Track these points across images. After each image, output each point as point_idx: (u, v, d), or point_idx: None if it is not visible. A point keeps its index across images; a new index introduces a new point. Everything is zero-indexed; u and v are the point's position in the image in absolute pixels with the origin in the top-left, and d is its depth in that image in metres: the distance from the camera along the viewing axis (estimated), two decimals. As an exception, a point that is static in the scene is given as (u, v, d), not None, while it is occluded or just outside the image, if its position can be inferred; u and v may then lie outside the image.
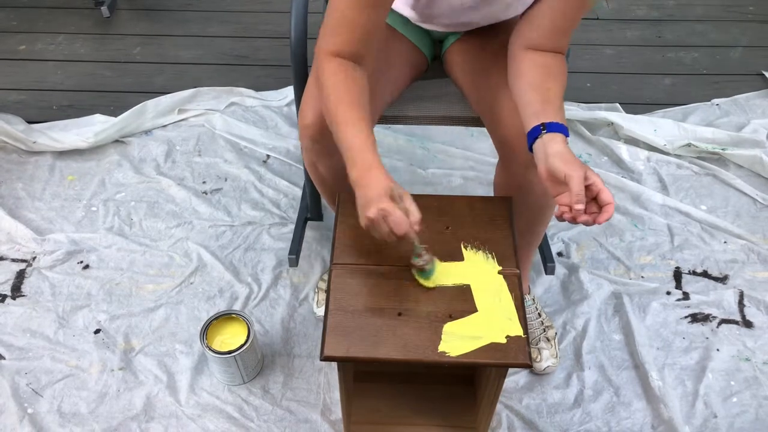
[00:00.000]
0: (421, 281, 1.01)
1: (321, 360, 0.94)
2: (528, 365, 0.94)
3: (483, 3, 1.11)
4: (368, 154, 0.96)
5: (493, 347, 0.94)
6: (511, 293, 1.00)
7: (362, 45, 1.02)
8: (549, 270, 1.54)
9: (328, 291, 1.01)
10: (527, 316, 1.41)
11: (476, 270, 1.03)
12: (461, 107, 1.34)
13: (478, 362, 0.94)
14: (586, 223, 0.94)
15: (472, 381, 1.31)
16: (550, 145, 0.96)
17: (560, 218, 0.96)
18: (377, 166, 0.95)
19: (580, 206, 0.92)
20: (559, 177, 0.94)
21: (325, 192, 1.32)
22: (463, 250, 1.06)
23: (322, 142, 1.14)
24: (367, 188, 0.94)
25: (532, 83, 1.04)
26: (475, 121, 1.32)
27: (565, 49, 1.10)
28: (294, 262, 1.57)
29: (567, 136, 0.98)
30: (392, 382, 1.30)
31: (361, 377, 1.30)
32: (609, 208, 0.93)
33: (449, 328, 0.96)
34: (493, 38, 1.23)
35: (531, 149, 1.00)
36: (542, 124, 0.98)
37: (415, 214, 0.93)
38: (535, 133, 0.98)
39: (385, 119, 1.31)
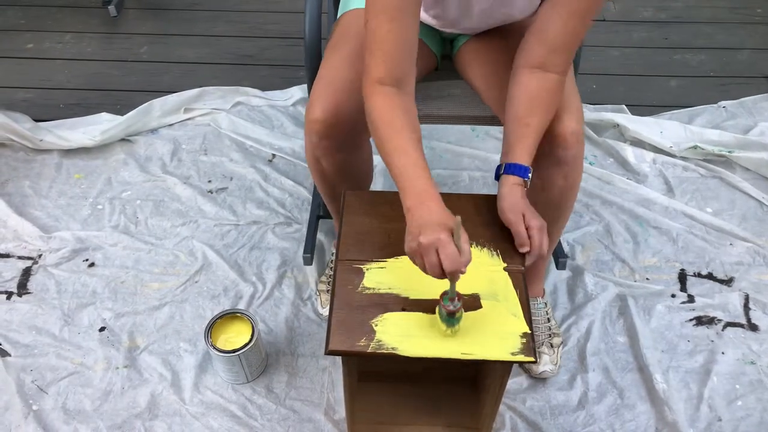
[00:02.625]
0: (444, 327, 0.95)
1: (326, 354, 0.95)
2: (533, 360, 0.94)
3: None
4: (422, 181, 0.97)
5: (498, 343, 0.94)
6: (515, 290, 1.00)
7: (398, 64, 1.02)
8: (561, 265, 1.54)
9: (333, 287, 1.01)
10: (537, 317, 1.42)
11: (481, 267, 1.03)
12: (472, 106, 1.33)
13: (483, 358, 0.94)
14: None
15: (476, 382, 1.31)
16: (502, 187, 1.04)
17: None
18: (433, 196, 0.96)
19: (524, 248, 1.01)
20: (503, 219, 1.04)
21: (324, 187, 1.31)
22: (468, 248, 1.06)
23: (329, 139, 1.14)
24: (424, 216, 0.93)
25: (516, 115, 1.07)
26: (488, 120, 1.32)
27: (566, 69, 1.09)
28: (309, 260, 1.54)
29: (525, 178, 1.04)
30: (396, 382, 1.30)
31: (365, 377, 1.30)
32: (533, 252, 1.01)
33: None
34: (505, 36, 1.23)
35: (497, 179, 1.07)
36: (504, 164, 1.04)
37: (467, 255, 0.91)
38: (498, 170, 1.07)
39: None
